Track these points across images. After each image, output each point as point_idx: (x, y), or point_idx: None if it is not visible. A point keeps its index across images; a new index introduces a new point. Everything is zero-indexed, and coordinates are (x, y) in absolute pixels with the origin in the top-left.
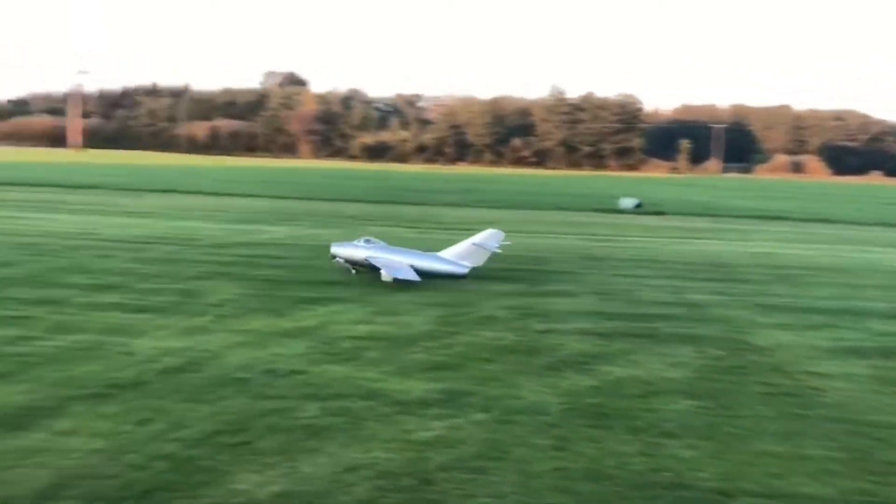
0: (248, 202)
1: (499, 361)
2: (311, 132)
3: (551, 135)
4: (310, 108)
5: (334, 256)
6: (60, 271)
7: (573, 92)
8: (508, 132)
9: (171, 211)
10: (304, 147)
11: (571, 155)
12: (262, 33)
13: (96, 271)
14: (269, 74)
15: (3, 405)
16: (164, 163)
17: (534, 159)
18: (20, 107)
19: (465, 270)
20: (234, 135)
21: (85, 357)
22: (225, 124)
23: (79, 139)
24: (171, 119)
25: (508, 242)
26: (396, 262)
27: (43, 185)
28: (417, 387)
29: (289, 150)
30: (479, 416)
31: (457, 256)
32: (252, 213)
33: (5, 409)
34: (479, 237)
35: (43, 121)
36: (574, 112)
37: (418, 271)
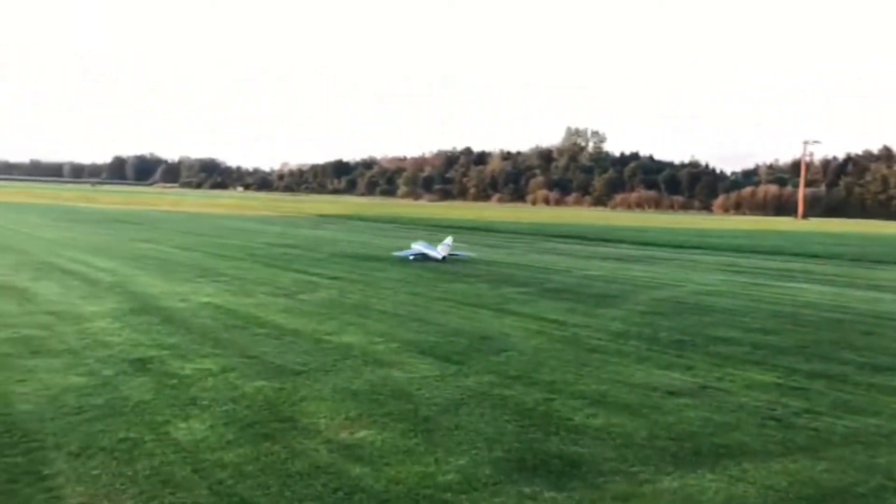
0: None
1: None
2: None
3: None
4: None
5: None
6: (826, 344)
7: None
8: None
9: None
10: None
11: None
12: None
13: (864, 348)
14: None
15: (813, 482)
16: (892, 232)
17: None
18: (748, 178)
19: (440, 256)
20: None
21: None
22: None
23: (801, 208)
24: None
25: (459, 244)
26: (413, 249)
27: (778, 253)
28: None
29: None
30: None
31: (442, 249)
32: None
33: (820, 489)
34: (447, 240)
35: (768, 189)
36: None
37: (421, 254)
